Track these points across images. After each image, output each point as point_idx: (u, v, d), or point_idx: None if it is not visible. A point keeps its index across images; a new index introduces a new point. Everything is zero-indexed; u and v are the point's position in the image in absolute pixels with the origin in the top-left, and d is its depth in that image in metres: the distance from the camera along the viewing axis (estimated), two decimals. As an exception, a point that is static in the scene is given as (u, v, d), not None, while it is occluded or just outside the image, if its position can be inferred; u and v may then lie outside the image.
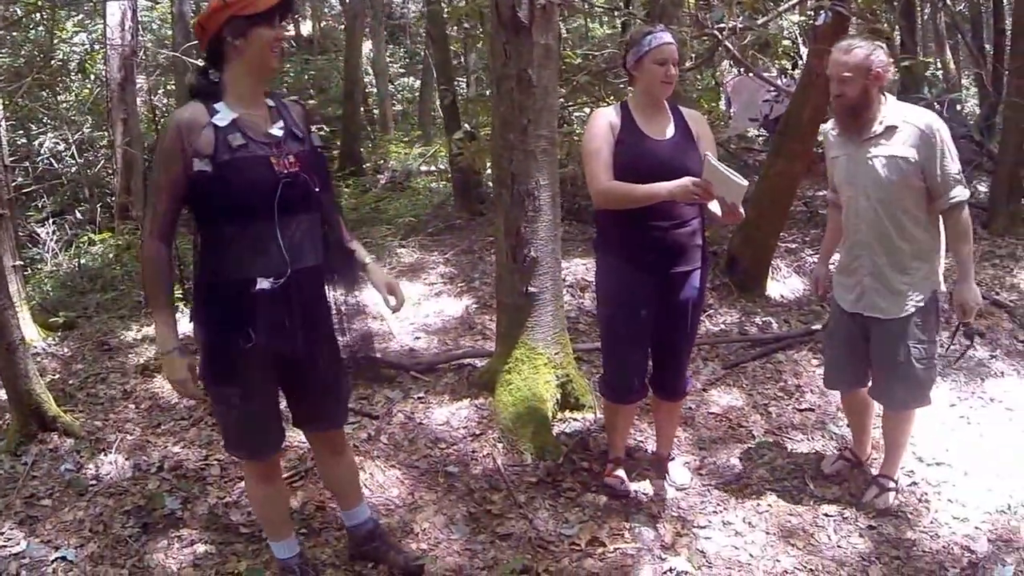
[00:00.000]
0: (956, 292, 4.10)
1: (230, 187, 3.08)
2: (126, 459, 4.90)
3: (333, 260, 3.46)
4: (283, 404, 3.58)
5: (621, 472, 4.63)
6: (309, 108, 3.77)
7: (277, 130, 3.22)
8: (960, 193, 3.97)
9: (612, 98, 8.49)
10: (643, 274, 4.09)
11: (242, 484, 4.58)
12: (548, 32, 4.91)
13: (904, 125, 3.97)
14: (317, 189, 3.26)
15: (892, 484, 4.48)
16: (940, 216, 4.09)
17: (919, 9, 12.47)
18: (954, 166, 3.96)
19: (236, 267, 3.16)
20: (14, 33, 12.04)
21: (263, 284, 3.13)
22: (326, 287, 3.47)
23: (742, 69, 8.68)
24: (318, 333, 3.38)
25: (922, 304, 4.11)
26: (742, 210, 3.71)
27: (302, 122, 3.36)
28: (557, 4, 5.03)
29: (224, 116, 3.11)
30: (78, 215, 12.00)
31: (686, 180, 3.67)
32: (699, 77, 8.89)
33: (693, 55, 8.53)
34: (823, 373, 4.79)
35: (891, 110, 4.03)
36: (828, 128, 4.42)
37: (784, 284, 7.55)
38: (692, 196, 3.67)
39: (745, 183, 3.61)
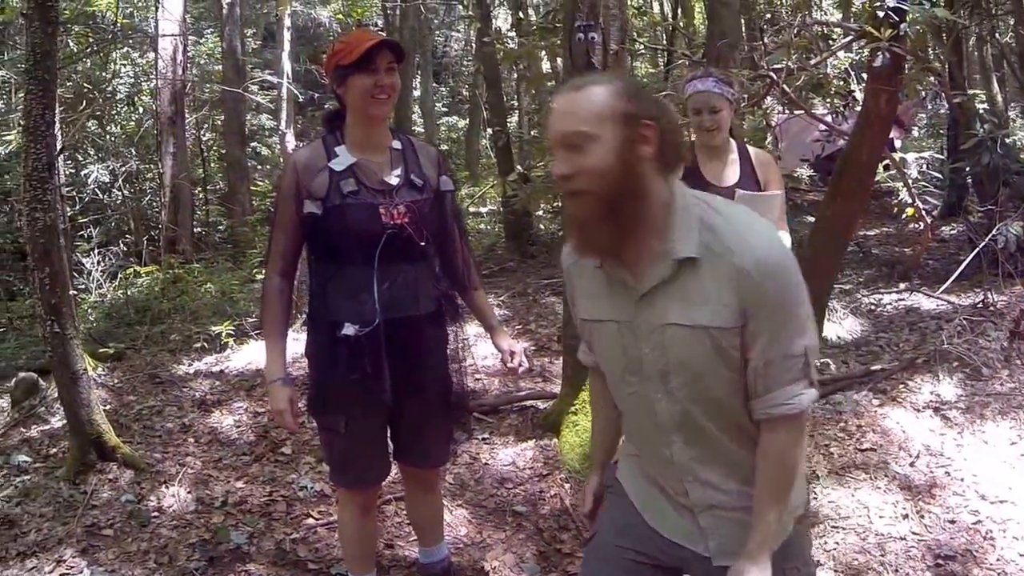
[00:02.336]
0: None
1: (335, 232, 3.14)
2: (188, 492, 4.89)
3: (444, 307, 3.46)
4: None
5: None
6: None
7: (394, 178, 3.23)
8: (803, 393, 2.10)
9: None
10: None
11: (309, 521, 4.59)
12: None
13: (711, 257, 2.04)
14: (423, 243, 3.25)
15: None
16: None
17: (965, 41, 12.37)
18: (801, 342, 2.07)
19: (328, 308, 3.22)
20: (67, 66, 12.19)
21: (348, 330, 3.16)
22: (446, 331, 3.47)
23: (793, 109, 8.65)
24: (420, 377, 3.36)
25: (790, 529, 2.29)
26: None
27: (432, 167, 3.37)
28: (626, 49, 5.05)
29: (342, 161, 3.17)
30: (122, 247, 12.07)
31: None
32: (751, 117, 8.87)
33: (745, 96, 8.51)
34: None
35: (683, 221, 2.07)
36: (571, 258, 2.36)
37: (841, 325, 7.48)
38: None
39: (779, 193, 3.79)
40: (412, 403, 3.37)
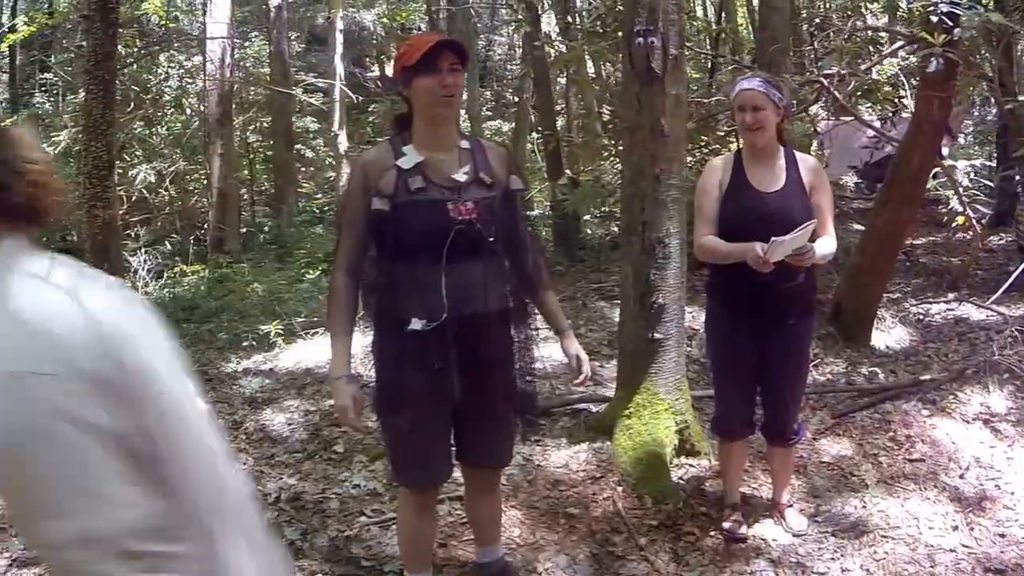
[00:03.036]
0: None
1: (403, 228, 3.15)
2: (241, 488, 4.92)
3: (513, 306, 3.47)
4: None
5: (738, 516, 4.59)
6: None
7: (462, 175, 3.24)
8: None
9: (718, 147, 8.47)
10: (744, 321, 4.13)
11: (363, 519, 4.62)
12: (678, 82, 4.96)
13: None
14: (491, 239, 3.25)
15: None
16: None
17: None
18: (54, 527, 1.48)
19: (396, 305, 3.23)
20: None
21: (415, 325, 3.17)
22: (510, 330, 3.48)
23: (842, 115, 8.60)
24: (487, 375, 3.36)
25: None
26: (812, 252, 3.82)
27: (502, 167, 3.37)
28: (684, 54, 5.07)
29: (409, 159, 3.19)
30: (168, 246, 12.18)
31: (754, 249, 3.72)
32: (799, 123, 8.84)
33: (795, 101, 8.48)
34: None
35: None
36: None
37: (889, 334, 7.43)
38: (754, 264, 3.73)
39: (812, 223, 3.80)
40: (477, 402, 3.36)
